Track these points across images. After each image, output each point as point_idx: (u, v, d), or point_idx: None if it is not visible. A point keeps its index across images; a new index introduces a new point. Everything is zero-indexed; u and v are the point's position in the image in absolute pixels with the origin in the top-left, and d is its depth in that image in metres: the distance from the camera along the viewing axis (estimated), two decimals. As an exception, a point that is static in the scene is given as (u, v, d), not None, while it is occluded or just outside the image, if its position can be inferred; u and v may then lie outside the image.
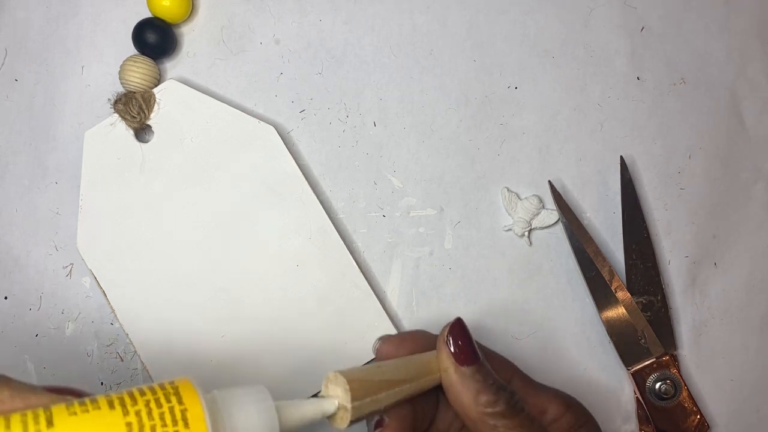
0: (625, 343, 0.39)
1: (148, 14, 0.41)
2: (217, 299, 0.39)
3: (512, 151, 0.42)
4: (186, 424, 0.24)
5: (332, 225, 0.39)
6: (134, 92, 0.39)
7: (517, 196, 0.41)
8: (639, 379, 0.39)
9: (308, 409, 0.28)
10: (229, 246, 0.39)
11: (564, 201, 0.40)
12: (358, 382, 0.28)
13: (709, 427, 0.39)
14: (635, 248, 0.40)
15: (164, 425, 0.24)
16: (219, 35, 0.42)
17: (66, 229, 0.40)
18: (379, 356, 0.32)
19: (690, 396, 0.39)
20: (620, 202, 0.41)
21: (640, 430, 0.40)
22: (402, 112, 0.42)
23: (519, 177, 0.42)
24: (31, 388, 0.25)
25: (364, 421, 0.30)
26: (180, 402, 0.25)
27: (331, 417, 0.28)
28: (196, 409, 0.25)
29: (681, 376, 0.39)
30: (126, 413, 0.24)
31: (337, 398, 0.28)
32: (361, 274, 0.39)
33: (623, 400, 0.41)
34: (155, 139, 0.39)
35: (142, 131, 0.40)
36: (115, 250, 0.39)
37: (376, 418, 0.30)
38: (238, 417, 0.26)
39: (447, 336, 0.30)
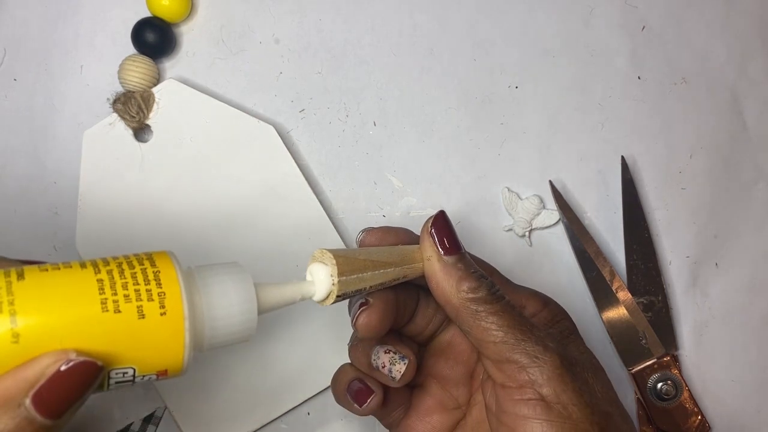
0: (626, 343, 0.39)
1: (147, 14, 0.41)
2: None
3: (513, 151, 0.42)
4: (159, 284, 0.25)
5: (332, 225, 0.39)
6: (133, 92, 0.39)
7: (518, 196, 0.41)
8: (640, 379, 0.39)
9: (287, 290, 0.28)
10: (228, 246, 0.39)
11: (564, 201, 0.40)
12: (344, 258, 0.28)
13: (710, 427, 0.39)
14: (636, 248, 0.40)
15: (136, 283, 0.24)
16: (218, 35, 0.42)
17: (65, 229, 0.40)
18: (363, 246, 0.32)
19: (691, 396, 0.39)
20: (621, 202, 0.41)
21: (641, 430, 0.40)
22: (402, 112, 0.42)
23: (519, 177, 0.42)
24: (5, 259, 0.26)
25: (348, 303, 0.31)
26: (153, 265, 0.25)
27: (314, 293, 0.29)
28: (170, 271, 0.25)
29: (682, 377, 0.39)
30: (98, 272, 0.24)
31: (320, 279, 0.28)
32: (361, 274, 0.39)
33: (624, 400, 0.40)
34: (154, 139, 0.39)
35: (141, 131, 0.40)
36: (115, 250, 0.39)
37: (360, 299, 0.30)
38: (213, 288, 0.26)
39: (431, 227, 0.30)
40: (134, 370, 0.24)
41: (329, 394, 0.39)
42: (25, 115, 0.41)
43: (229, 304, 0.26)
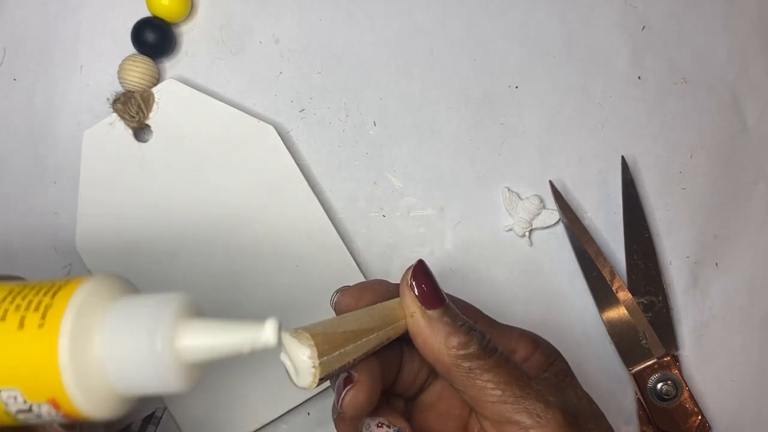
0: (626, 343, 0.39)
1: (147, 13, 0.41)
2: (217, 299, 0.39)
3: (513, 151, 0.42)
4: (52, 297, 0.21)
5: (332, 225, 0.39)
6: (133, 92, 0.39)
7: (518, 196, 0.41)
8: (640, 379, 0.39)
9: (231, 336, 0.22)
10: (228, 246, 0.39)
11: (565, 201, 0.40)
12: (322, 336, 0.25)
13: (710, 427, 0.39)
14: (636, 248, 0.40)
15: (35, 295, 0.21)
16: (218, 34, 0.42)
17: (65, 230, 0.40)
18: (339, 309, 0.30)
19: (691, 396, 0.39)
20: (621, 202, 0.41)
21: (642, 430, 0.40)
22: (402, 112, 0.42)
23: (520, 177, 0.42)
24: None
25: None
26: (66, 283, 0.22)
27: (294, 377, 0.26)
28: (72, 288, 0.21)
29: (682, 377, 0.39)
30: (11, 289, 0.22)
31: (299, 364, 0.25)
32: (362, 274, 0.39)
33: (624, 400, 0.40)
34: (154, 139, 0.39)
35: (141, 131, 0.40)
36: (115, 250, 0.39)
37: (344, 375, 0.27)
38: (120, 321, 0.21)
39: (410, 279, 0.28)
40: (20, 393, 0.21)
41: (329, 394, 0.39)
42: (25, 115, 0.41)
43: (135, 342, 0.21)
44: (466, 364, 0.27)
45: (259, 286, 0.39)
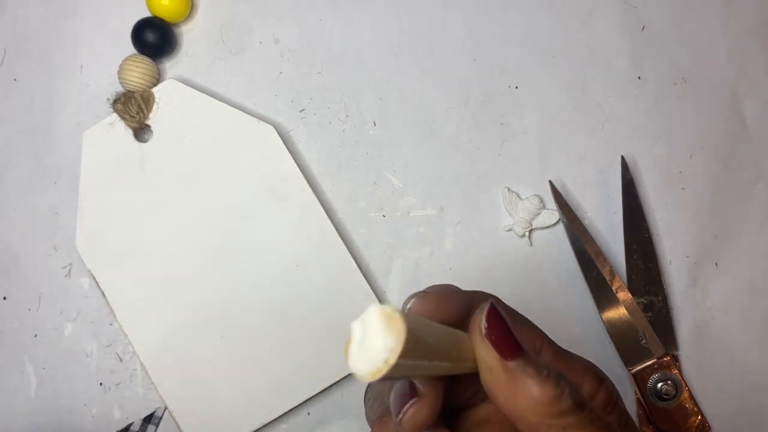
0: (626, 343, 0.39)
1: (147, 13, 0.41)
2: (216, 299, 0.39)
3: (513, 151, 0.42)
4: None
5: (332, 225, 0.39)
6: (133, 92, 0.39)
7: (518, 196, 0.41)
8: (640, 379, 0.39)
9: None
10: (228, 246, 0.39)
11: (564, 201, 0.40)
12: (416, 338, 0.21)
13: (710, 427, 0.39)
14: (636, 248, 0.40)
15: None
16: (218, 35, 0.42)
17: (65, 229, 0.40)
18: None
19: (691, 396, 0.39)
20: (621, 202, 0.41)
21: (641, 430, 0.40)
22: (402, 112, 0.42)
23: (519, 177, 0.42)
24: None
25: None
26: None
27: (354, 355, 0.21)
28: None
29: (682, 377, 0.39)
30: None
31: (371, 346, 0.20)
32: (361, 275, 0.39)
33: (624, 400, 0.40)
34: (154, 139, 0.39)
35: (141, 131, 0.40)
36: (115, 250, 0.39)
37: (405, 384, 0.24)
38: None
39: (485, 329, 0.24)
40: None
41: (329, 394, 0.39)
42: (25, 115, 0.41)
43: None
44: (558, 421, 0.23)
45: (259, 285, 0.39)
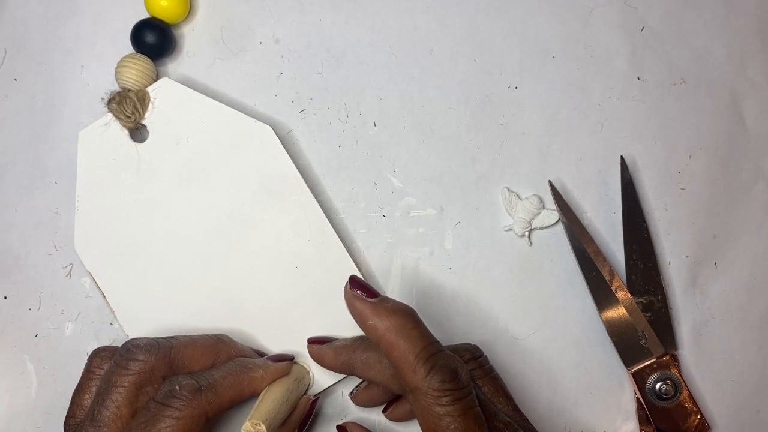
0: (626, 343, 0.39)
1: (147, 14, 0.41)
2: (216, 300, 0.39)
3: (512, 151, 0.42)
4: None
5: (331, 225, 0.39)
6: (128, 91, 0.39)
7: (518, 196, 0.41)
8: (639, 379, 0.39)
9: None
10: (227, 247, 0.39)
11: (564, 201, 0.40)
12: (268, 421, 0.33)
13: (709, 427, 0.39)
14: (635, 248, 0.40)
15: None
16: (219, 35, 0.42)
17: (65, 229, 0.40)
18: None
19: (690, 396, 0.39)
20: (620, 202, 0.41)
21: (641, 430, 0.40)
22: (402, 112, 0.42)
23: (519, 177, 0.42)
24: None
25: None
26: None
27: None
28: None
29: (681, 377, 0.39)
30: None
31: None
32: (361, 275, 0.39)
33: (623, 400, 0.40)
34: (151, 139, 0.39)
35: (137, 131, 0.40)
36: (113, 250, 0.39)
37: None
38: None
39: (350, 288, 0.33)
40: None
41: (329, 393, 0.39)
42: (25, 115, 0.41)
43: None
44: (415, 332, 0.32)
45: (259, 286, 0.39)
